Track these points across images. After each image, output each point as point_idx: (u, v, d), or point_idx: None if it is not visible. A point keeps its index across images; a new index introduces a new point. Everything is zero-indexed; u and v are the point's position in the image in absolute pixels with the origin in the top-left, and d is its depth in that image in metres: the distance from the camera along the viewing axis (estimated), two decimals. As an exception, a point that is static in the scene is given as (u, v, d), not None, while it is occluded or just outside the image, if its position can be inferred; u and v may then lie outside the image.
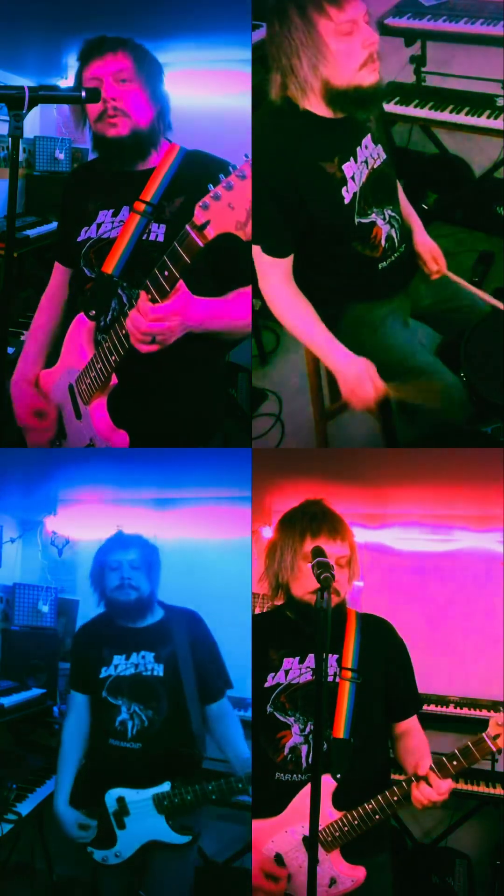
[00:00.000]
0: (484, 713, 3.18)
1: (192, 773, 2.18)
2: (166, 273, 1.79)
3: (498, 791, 3.00)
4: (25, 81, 2.74)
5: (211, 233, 1.69)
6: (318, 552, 1.74)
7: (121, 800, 2.14)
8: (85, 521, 3.72)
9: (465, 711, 3.19)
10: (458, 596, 3.35)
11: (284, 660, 1.91)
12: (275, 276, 2.17)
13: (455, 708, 3.21)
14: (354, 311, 2.32)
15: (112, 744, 2.18)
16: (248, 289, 2.11)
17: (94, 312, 2.12)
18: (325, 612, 1.59)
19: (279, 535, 1.94)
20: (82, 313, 2.14)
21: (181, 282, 1.82)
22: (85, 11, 2.51)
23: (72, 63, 3.25)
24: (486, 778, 3.04)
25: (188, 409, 2.20)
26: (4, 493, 3.45)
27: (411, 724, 1.96)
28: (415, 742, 1.96)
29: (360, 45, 1.97)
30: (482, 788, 3.00)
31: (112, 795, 2.15)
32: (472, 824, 3.16)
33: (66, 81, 3.38)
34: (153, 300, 1.84)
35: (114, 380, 2.06)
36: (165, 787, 2.13)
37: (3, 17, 2.74)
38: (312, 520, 1.89)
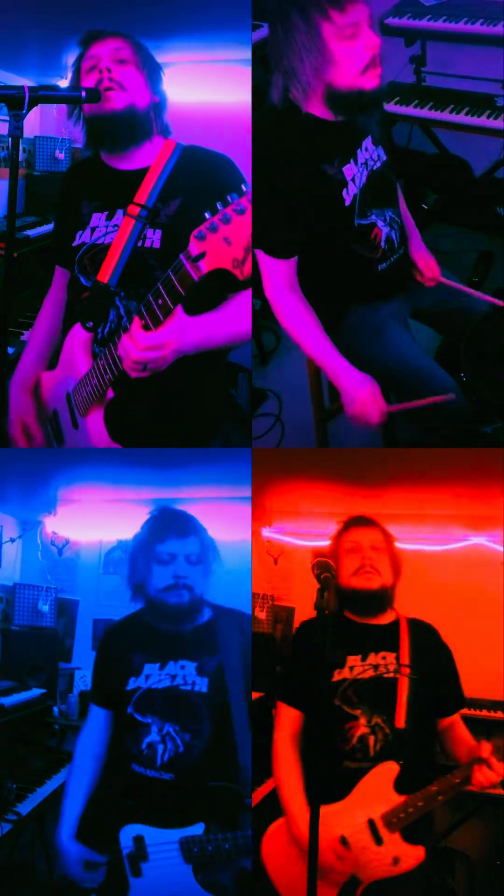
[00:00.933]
0: (484, 713, 3.17)
1: (234, 815, 1.77)
2: (160, 301, 1.70)
3: (498, 791, 2.99)
4: (25, 81, 2.74)
5: (204, 267, 1.59)
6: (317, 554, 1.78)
7: (139, 839, 1.74)
8: (85, 521, 3.73)
9: (464, 712, 3.18)
10: (457, 596, 3.35)
11: (347, 657, 2.01)
12: (278, 279, 2.16)
13: (455, 708, 3.21)
14: (355, 314, 2.31)
15: (135, 770, 1.80)
16: (248, 292, 2.07)
17: (90, 324, 2.05)
18: (325, 611, 1.65)
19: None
20: (79, 323, 2.08)
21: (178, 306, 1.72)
22: (85, 10, 2.51)
23: (72, 63, 3.24)
24: (485, 778, 3.03)
25: (188, 410, 2.18)
26: (4, 493, 3.45)
27: (455, 718, 2.08)
28: (461, 732, 2.07)
29: (363, 48, 1.96)
30: (482, 788, 2.99)
31: (129, 833, 1.75)
32: (472, 824, 3.15)
33: (66, 81, 3.36)
34: (146, 327, 1.75)
35: (110, 393, 2.00)
36: (198, 829, 1.74)
37: (2, 17, 2.74)
38: (347, 520, 2.14)
